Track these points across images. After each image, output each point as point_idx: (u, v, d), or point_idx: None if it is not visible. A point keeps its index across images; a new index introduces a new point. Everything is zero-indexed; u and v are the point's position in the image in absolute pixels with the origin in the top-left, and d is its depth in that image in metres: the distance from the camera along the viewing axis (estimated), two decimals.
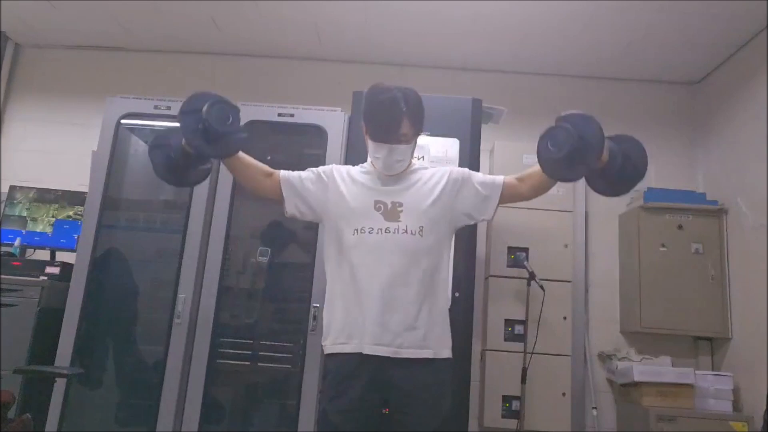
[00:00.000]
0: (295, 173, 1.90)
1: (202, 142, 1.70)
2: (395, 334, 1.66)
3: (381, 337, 1.67)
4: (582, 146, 1.60)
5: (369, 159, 1.88)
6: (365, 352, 1.67)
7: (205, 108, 1.66)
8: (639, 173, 1.73)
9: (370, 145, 1.81)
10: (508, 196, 1.87)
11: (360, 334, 1.68)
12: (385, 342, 1.66)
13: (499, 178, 1.88)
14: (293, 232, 2.98)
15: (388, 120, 1.75)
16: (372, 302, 1.69)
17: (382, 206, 1.77)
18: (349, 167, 1.93)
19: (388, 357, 1.66)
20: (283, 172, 1.89)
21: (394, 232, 1.73)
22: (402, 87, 1.79)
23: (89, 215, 2.87)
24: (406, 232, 1.73)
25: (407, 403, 1.68)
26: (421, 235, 1.74)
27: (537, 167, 1.82)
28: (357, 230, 1.75)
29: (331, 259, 1.82)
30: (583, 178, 1.82)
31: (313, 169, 1.91)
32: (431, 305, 1.74)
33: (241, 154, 1.83)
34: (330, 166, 1.94)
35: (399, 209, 1.76)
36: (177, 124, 1.73)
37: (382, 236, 1.73)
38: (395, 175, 1.84)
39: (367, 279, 1.71)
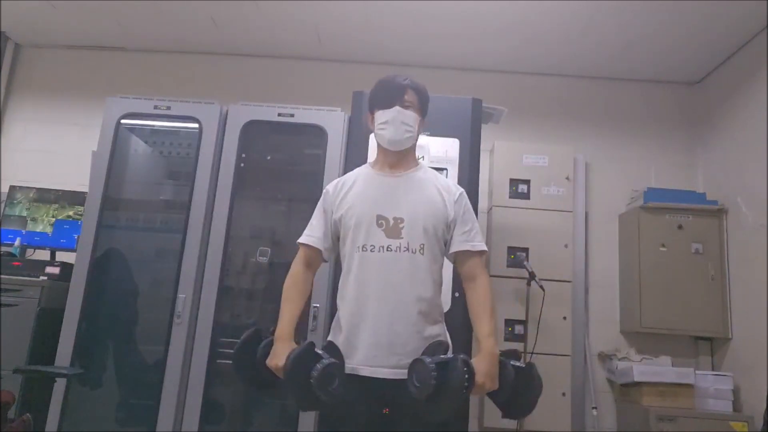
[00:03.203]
0: (316, 229, 1.84)
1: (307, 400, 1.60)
2: (398, 356, 1.64)
3: (381, 359, 1.64)
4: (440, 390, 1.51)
5: (370, 150, 1.84)
6: (362, 374, 1.65)
7: (315, 376, 1.53)
8: (524, 410, 1.72)
9: (377, 115, 1.79)
10: (455, 261, 1.81)
11: (358, 356, 1.66)
12: (387, 364, 1.64)
13: (471, 246, 1.77)
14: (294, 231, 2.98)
15: (393, 87, 1.80)
16: (373, 324, 1.67)
17: (383, 222, 1.74)
18: (346, 178, 1.88)
19: (387, 379, 1.64)
20: (310, 245, 1.82)
21: (395, 251, 1.71)
22: None
23: (89, 215, 2.88)
24: (407, 250, 1.71)
25: (406, 404, 1.67)
26: (422, 253, 1.72)
27: (477, 293, 1.74)
28: (359, 248, 1.73)
29: (342, 272, 1.79)
30: None
31: (320, 205, 1.87)
32: (432, 320, 1.72)
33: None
34: (326, 189, 1.88)
35: (400, 225, 1.73)
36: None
37: (383, 254, 1.71)
38: (399, 174, 1.81)
39: (370, 299, 1.69)
